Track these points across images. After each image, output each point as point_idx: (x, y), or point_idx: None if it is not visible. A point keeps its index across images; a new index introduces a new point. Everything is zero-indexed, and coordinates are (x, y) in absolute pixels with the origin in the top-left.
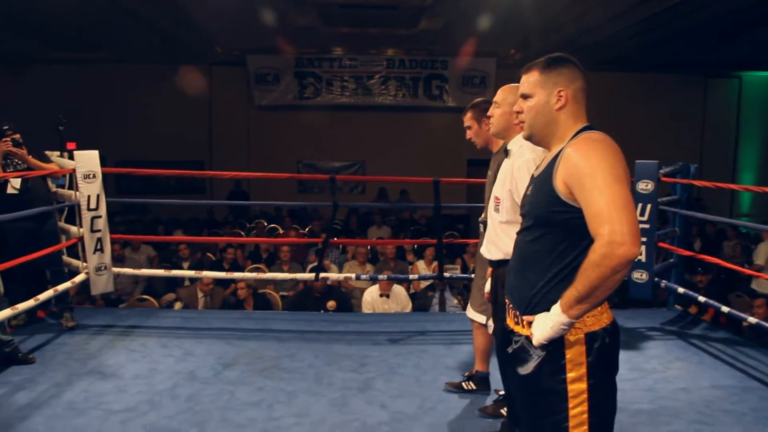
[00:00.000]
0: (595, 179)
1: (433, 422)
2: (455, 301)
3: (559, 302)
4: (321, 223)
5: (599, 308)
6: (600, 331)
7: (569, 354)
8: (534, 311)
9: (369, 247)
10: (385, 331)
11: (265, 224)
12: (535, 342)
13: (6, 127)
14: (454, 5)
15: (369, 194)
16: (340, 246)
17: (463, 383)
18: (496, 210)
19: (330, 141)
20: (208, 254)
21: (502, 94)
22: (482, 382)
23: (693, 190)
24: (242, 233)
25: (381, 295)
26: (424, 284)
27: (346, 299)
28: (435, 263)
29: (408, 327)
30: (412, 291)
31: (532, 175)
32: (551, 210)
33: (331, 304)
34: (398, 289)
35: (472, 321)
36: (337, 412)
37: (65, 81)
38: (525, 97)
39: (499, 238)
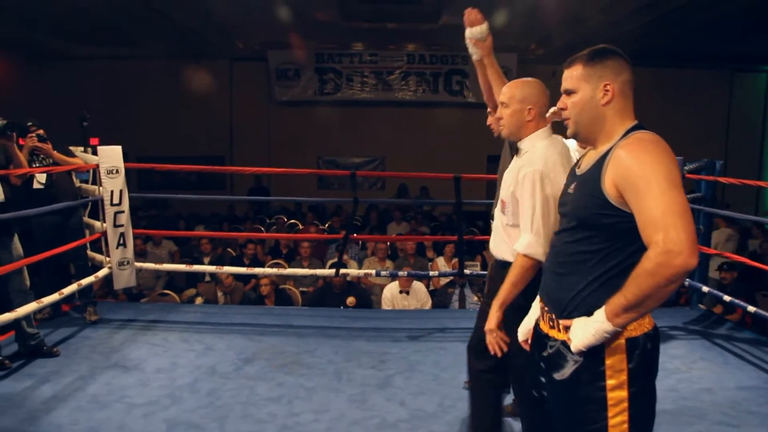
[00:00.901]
0: (650, 184)
1: (453, 420)
2: (475, 298)
3: (603, 308)
4: (341, 219)
5: None
6: (641, 337)
7: (609, 360)
8: (571, 315)
9: (388, 243)
10: (404, 327)
11: (285, 220)
12: (573, 348)
13: (30, 123)
14: (475, 0)
15: (389, 190)
16: (360, 242)
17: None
18: (503, 212)
19: (350, 137)
20: (229, 250)
21: (508, 92)
22: None
23: (717, 187)
24: (262, 229)
25: (401, 292)
26: (444, 281)
27: (366, 295)
28: (455, 260)
29: (428, 324)
30: (431, 288)
31: (574, 172)
32: (597, 213)
33: (350, 300)
34: (418, 286)
35: None
36: (357, 408)
37: (88, 77)
38: (568, 92)
39: (504, 239)
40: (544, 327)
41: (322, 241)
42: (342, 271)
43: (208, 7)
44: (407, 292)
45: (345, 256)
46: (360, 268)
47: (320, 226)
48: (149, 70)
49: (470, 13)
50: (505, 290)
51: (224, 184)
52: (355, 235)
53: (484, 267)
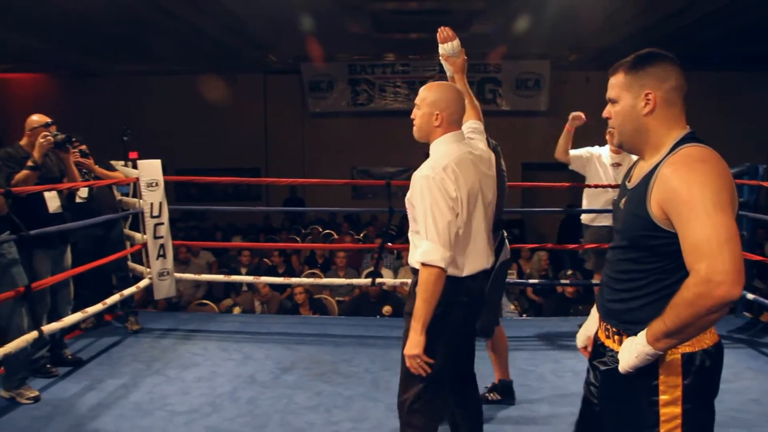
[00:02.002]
0: (695, 207)
1: (490, 430)
2: (512, 307)
3: (645, 331)
4: (376, 228)
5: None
6: (699, 353)
7: (663, 375)
8: (627, 330)
9: None
10: None
11: (320, 230)
12: (621, 370)
13: (74, 139)
14: (507, 8)
15: None
16: (395, 251)
17: (487, 394)
18: (409, 219)
19: (383, 146)
20: (265, 260)
21: (422, 94)
22: (507, 390)
23: (761, 191)
24: (298, 239)
25: None
26: None
27: (402, 304)
28: None
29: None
30: None
31: (625, 185)
32: (646, 234)
33: (387, 309)
34: None
35: None
36: (395, 417)
37: (127, 93)
38: (612, 102)
39: (411, 247)
40: (601, 336)
41: (357, 251)
42: (378, 280)
43: (242, 23)
44: None
45: (381, 266)
46: (395, 277)
47: (355, 236)
48: (186, 85)
49: (442, 31)
50: (419, 309)
51: (260, 195)
52: (390, 244)
53: (520, 275)
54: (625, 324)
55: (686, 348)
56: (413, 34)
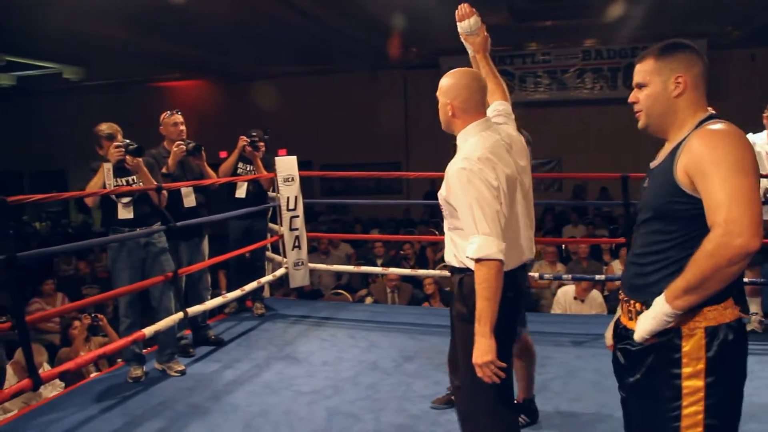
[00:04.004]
0: (719, 169)
1: (608, 429)
2: None
3: (664, 292)
4: None
5: (723, 303)
6: (723, 326)
7: (686, 347)
8: (648, 303)
9: (564, 246)
10: (569, 332)
11: None
12: (636, 337)
13: (254, 134)
14: None
15: (566, 192)
16: None
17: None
18: (444, 216)
19: None
20: (401, 252)
21: (440, 84)
22: (531, 412)
23: None
24: (436, 232)
25: (575, 299)
26: (618, 284)
27: (533, 298)
28: None
29: (594, 329)
30: (605, 293)
31: (649, 168)
32: (671, 200)
33: None
34: (594, 294)
35: None
36: None
37: (275, 94)
38: (639, 86)
39: (448, 243)
40: (624, 319)
41: None
42: None
43: (383, 21)
44: (582, 300)
45: None
46: (530, 270)
47: None
48: (330, 84)
49: (461, 8)
50: (484, 310)
51: (401, 188)
52: None
53: None
54: (651, 297)
55: (710, 322)
56: (552, 22)
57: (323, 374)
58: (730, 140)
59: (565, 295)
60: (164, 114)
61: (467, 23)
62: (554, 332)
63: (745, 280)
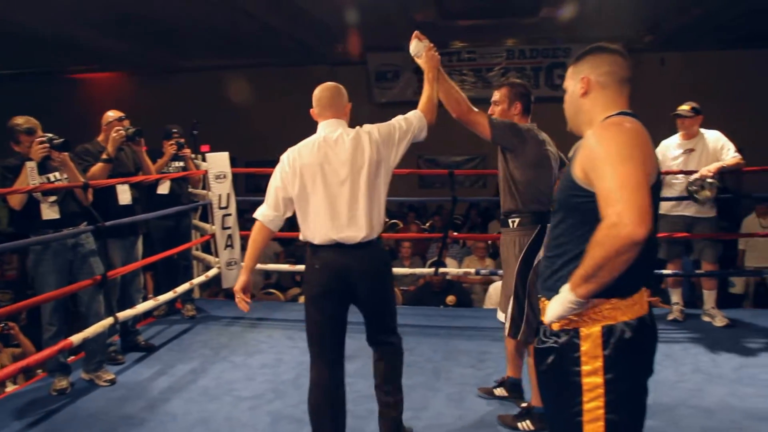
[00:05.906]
0: (606, 160)
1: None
2: None
3: (569, 281)
4: (442, 218)
5: (629, 299)
6: (620, 325)
7: (584, 346)
8: (551, 295)
9: (489, 242)
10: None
11: (387, 220)
12: (545, 321)
13: (175, 131)
14: None
15: (490, 188)
16: (461, 241)
17: (495, 389)
18: None
19: (450, 135)
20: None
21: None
22: (514, 388)
23: None
24: None
25: None
26: None
27: (466, 294)
28: None
29: None
30: None
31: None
32: (570, 194)
33: (450, 299)
34: None
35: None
36: (455, 407)
37: (201, 87)
38: (564, 92)
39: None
40: (543, 318)
41: (423, 241)
42: (441, 270)
43: (310, 14)
44: None
45: (445, 255)
46: (459, 266)
47: (421, 226)
48: (255, 78)
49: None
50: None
51: None
52: (454, 234)
53: None
54: (551, 291)
55: (607, 321)
56: (479, 21)
57: (263, 377)
58: (619, 131)
59: (497, 290)
60: (107, 115)
61: (412, 45)
62: (490, 327)
63: (668, 271)
